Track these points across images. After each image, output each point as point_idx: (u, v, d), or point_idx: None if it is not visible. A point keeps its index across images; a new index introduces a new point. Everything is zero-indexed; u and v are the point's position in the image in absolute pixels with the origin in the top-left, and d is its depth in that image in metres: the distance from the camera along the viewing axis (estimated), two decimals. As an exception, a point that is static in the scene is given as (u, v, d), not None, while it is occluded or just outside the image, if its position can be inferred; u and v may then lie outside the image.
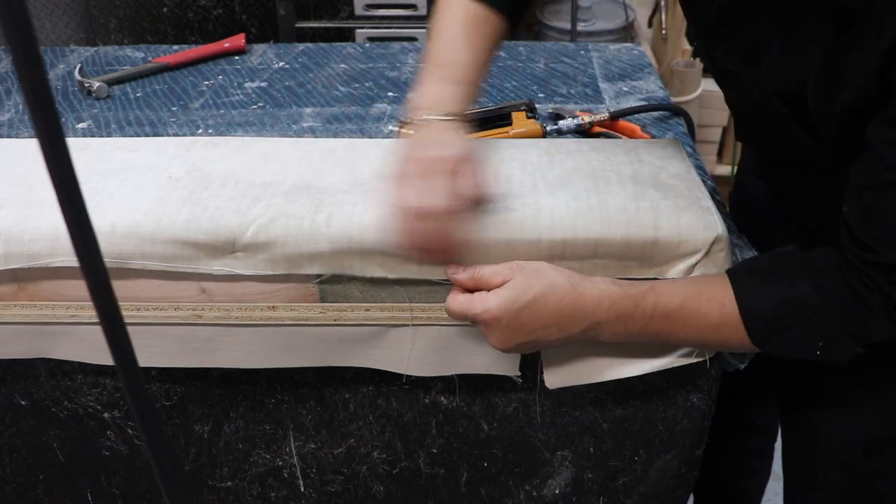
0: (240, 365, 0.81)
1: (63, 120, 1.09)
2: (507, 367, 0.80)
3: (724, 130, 2.31)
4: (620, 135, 1.07)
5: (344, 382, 0.84)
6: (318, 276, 0.75)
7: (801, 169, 0.83)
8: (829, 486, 0.92)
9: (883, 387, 0.84)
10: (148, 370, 0.82)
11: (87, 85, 1.16)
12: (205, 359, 0.80)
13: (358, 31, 2.00)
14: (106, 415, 0.86)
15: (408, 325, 0.78)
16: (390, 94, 1.18)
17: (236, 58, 1.32)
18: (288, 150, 0.87)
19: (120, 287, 0.75)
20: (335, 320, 0.77)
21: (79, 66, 1.21)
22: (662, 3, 2.23)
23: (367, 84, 1.22)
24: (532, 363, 0.81)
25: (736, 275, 0.72)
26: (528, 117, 1.08)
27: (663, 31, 2.18)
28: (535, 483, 0.90)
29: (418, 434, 0.87)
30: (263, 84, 1.21)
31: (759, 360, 0.80)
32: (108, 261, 0.73)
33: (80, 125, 1.08)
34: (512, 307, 0.69)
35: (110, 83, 1.19)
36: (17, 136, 1.03)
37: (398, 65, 1.29)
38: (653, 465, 0.88)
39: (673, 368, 0.78)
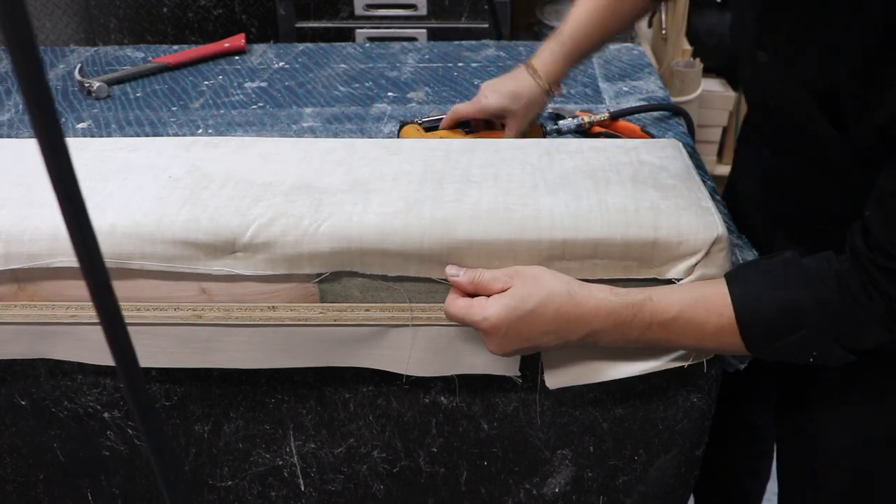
0: (240, 365, 0.81)
1: (63, 120, 1.09)
2: (507, 367, 0.80)
3: (724, 130, 2.30)
4: (620, 135, 1.07)
5: (344, 382, 0.84)
6: (318, 276, 0.75)
7: (807, 169, 0.83)
8: (827, 486, 0.92)
9: (881, 388, 0.84)
10: (148, 370, 0.82)
11: (87, 85, 1.16)
12: (205, 359, 0.80)
13: (358, 31, 2.00)
14: (106, 415, 0.86)
15: (408, 326, 0.78)
16: (390, 94, 1.18)
17: (236, 58, 1.32)
18: (288, 150, 0.87)
19: (120, 287, 0.75)
20: (335, 320, 0.77)
21: (79, 66, 1.21)
22: (662, 3, 2.22)
23: (367, 84, 1.22)
24: (532, 363, 0.81)
25: (733, 282, 0.72)
26: (529, 117, 1.08)
27: (663, 31, 2.17)
28: (535, 482, 0.90)
29: (418, 433, 0.87)
30: (263, 84, 1.21)
31: (760, 361, 0.80)
32: (108, 261, 0.73)
33: (80, 125, 1.08)
34: (510, 316, 0.70)
35: (110, 83, 1.19)
36: (17, 136, 1.03)
37: (398, 65, 1.29)
38: (653, 464, 0.88)
39: (673, 368, 0.78)
